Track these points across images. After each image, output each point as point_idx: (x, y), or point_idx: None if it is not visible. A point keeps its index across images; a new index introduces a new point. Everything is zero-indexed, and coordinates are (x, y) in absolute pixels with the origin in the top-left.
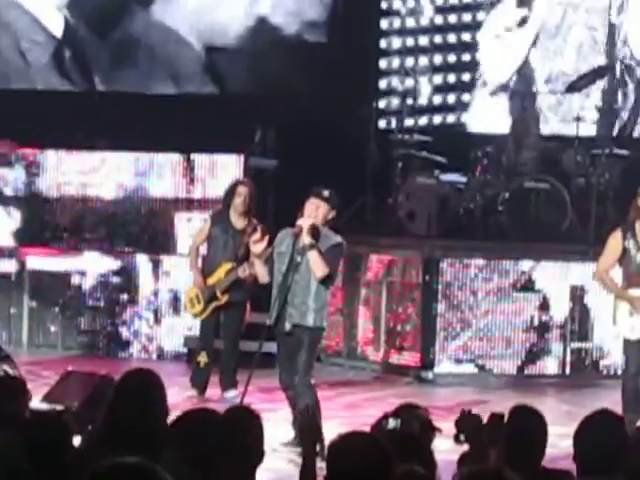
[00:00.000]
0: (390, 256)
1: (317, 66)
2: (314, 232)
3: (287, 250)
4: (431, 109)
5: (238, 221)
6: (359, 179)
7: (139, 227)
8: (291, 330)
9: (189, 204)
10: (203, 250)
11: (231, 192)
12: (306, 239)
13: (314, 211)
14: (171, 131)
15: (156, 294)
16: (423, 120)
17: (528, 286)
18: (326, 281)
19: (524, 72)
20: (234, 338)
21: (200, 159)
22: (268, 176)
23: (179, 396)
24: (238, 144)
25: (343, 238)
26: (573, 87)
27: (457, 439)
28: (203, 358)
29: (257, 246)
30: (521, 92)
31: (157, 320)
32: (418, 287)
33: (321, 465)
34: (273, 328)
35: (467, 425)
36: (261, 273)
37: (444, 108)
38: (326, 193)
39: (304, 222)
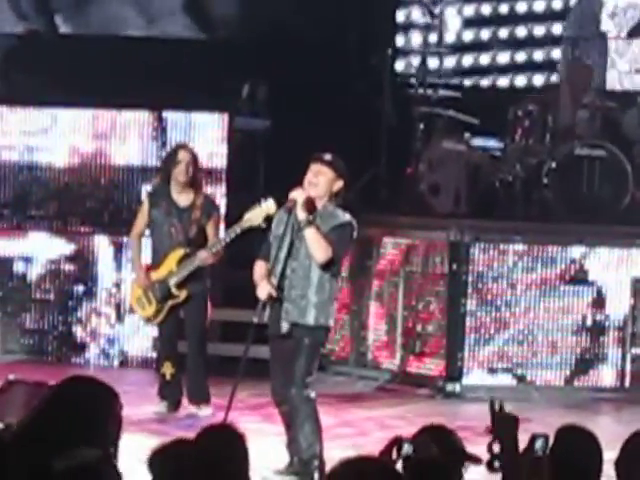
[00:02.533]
0: (409, 240)
1: (319, 6)
2: (310, 206)
3: (286, 233)
4: (460, 48)
5: (181, 196)
6: (370, 145)
7: (98, 202)
8: (289, 331)
9: None
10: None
11: (169, 160)
12: (300, 214)
13: (314, 179)
14: (139, 83)
15: (119, 285)
16: (449, 62)
17: (579, 278)
18: (330, 267)
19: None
20: (200, 339)
21: (174, 118)
22: (258, 140)
23: (146, 412)
24: (221, 100)
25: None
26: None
27: (491, 466)
28: (168, 369)
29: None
30: (572, 38)
31: (120, 318)
32: (443, 279)
33: None
34: (267, 329)
35: (503, 447)
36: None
37: (476, 47)
38: (329, 157)
39: (297, 193)
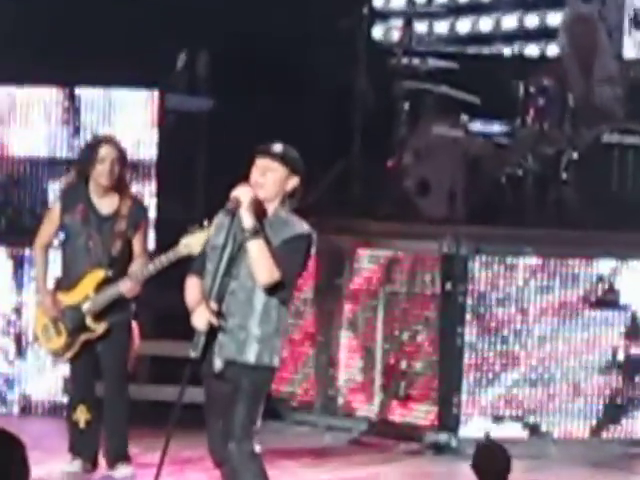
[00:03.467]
0: (390, 252)
1: None
2: (259, 210)
3: (227, 243)
4: (455, 10)
5: (103, 201)
6: (341, 129)
7: None
8: (223, 370)
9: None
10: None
11: (89, 156)
12: (246, 220)
13: (260, 177)
14: (45, 51)
15: (19, 311)
16: (441, 27)
17: (609, 300)
18: (279, 292)
19: None
20: (119, 379)
21: (91, 97)
22: (198, 124)
23: (53, 472)
24: (150, 74)
25: (313, 226)
26: None
27: None
28: (83, 414)
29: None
30: None
31: (21, 352)
32: (434, 301)
33: None
34: (198, 366)
35: None
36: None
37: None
38: (279, 148)
39: (243, 192)
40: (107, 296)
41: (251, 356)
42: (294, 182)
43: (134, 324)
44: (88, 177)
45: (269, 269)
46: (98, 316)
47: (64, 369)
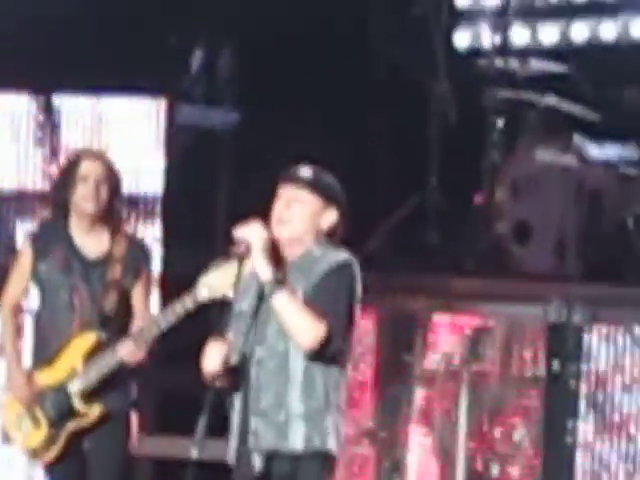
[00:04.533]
0: (477, 318)
1: None
2: (276, 254)
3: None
4: (568, 9)
5: (88, 239)
6: (411, 155)
7: None
8: (264, 468)
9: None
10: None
11: (66, 177)
12: (261, 269)
13: (285, 211)
14: (13, 49)
15: None
16: (551, 32)
17: None
18: (324, 349)
19: None
20: None
21: (74, 108)
22: (218, 142)
23: None
24: (155, 77)
25: (374, 286)
26: None
27: None
28: None
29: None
30: None
31: None
32: (537, 385)
33: None
34: (233, 473)
35: None
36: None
37: (593, 7)
38: (308, 173)
39: (251, 232)
40: (102, 367)
41: (297, 441)
42: (332, 216)
43: (133, 414)
44: (67, 208)
45: (310, 326)
46: (90, 395)
47: (41, 474)
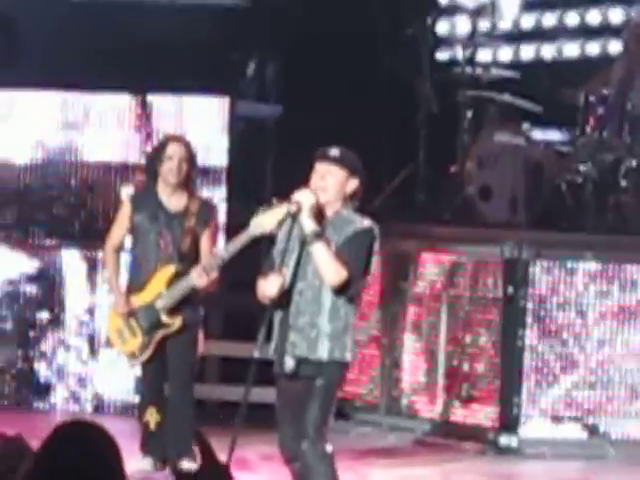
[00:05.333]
0: (453, 255)
1: None
2: (318, 214)
3: (289, 246)
4: (518, 36)
5: (172, 199)
6: (405, 137)
7: (68, 208)
8: (296, 369)
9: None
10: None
11: (157, 155)
12: (307, 224)
13: (321, 182)
14: (118, 59)
15: (92, 312)
16: (506, 54)
17: None
18: (346, 290)
19: None
20: (187, 380)
21: (162, 103)
22: (266, 130)
23: (127, 469)
24: (221, 81)
25: (376, 224)
26: None
27: None
28: (153, 416)
29: (200, 279)
30: None
31: (93, 352)
32: (497, 305)
33: None
34: (273, 368)
35: None
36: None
37: (538, 34)
38: (336, 152)
39: (304, 196)
40: (180, 290)
41: (323, 352)
42: (354, 184)
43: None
44: (157, 176)
45: (336, 270)
46: (173, 311)
47: (137, 369)
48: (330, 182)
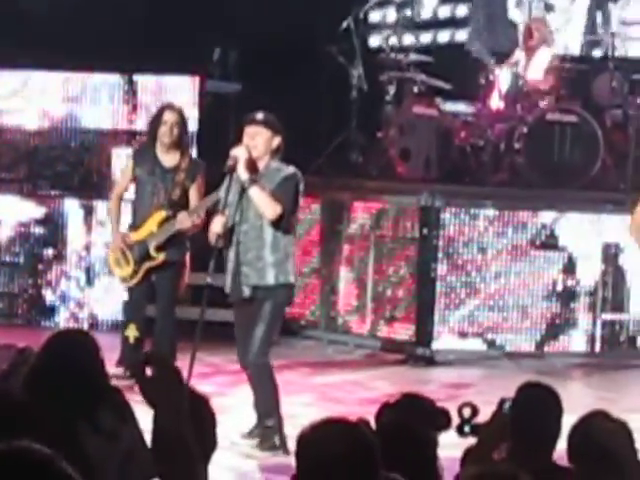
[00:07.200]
0: (379, 204)
1: None
2: (252, 165)
3: (233, 196)
4: (435, 24)
5: (166, 157)
6: (341, 109)
7: (68, 165)
8: (251, 294)
9: (131, 137)
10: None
11: (155, 120)
12: (242, 173)
13: (251, 141)
14: (110, 45)
15: (88, 249)
16: (426, 38)
17: (550, 243)
18: (281, 224)
19: None
20: (168, 304)
21: (145, 82)
22: (229, 103)
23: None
24: (193, 63)
25: (319, 185)
26: None
27: (461, 431)
28: (132, 332)
29: (184, 223)
30: None
31: (89, 281)
32: (414, 243)
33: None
34: (230, 296)
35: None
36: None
37: (451, 23)
38: (261, 116)
39: (240, 151)
40: (167, 231)
41: (270, 279)
42: (277, 140)
43: (187, 259)
44: (155, 139)
45: (272, 206)
46: (159, 247)
47: (124, 294)
48: (259, 141)
